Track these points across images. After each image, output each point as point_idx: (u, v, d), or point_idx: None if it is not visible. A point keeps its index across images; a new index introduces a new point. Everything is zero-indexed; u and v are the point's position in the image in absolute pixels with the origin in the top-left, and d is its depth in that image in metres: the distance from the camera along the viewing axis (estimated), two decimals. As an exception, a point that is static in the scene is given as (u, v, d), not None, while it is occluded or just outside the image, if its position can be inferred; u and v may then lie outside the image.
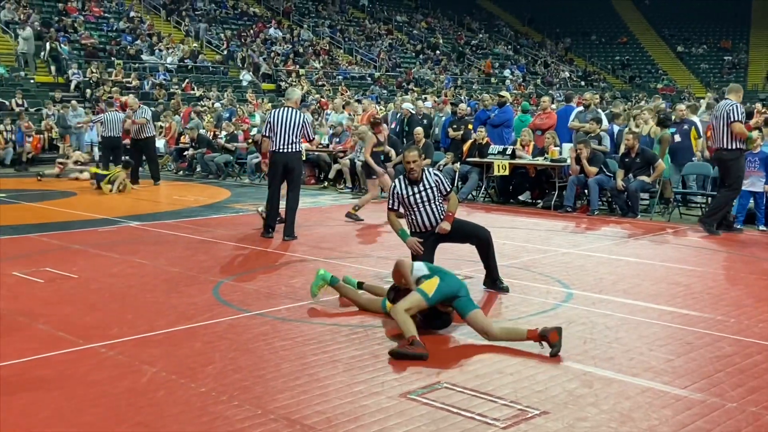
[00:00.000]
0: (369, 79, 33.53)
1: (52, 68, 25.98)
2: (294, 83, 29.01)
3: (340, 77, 32.17)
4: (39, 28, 27.10)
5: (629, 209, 10.94)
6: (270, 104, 21.77)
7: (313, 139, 8.98)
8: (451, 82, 33.87)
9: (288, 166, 9.14)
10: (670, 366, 4.62)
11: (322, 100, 24.75)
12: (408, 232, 6.57)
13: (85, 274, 7.21)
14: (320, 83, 30.26)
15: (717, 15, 50.33)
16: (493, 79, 38.15)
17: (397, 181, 6.59)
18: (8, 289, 6.63)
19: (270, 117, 9.31)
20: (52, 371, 4.55)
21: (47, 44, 26.09)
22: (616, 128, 13.05)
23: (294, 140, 9.07)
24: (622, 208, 11.09)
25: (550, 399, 4.09)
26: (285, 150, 9.06)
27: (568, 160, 11.65)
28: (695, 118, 12.47)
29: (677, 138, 11.78)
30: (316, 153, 16.02)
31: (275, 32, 35.09)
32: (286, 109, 9.28)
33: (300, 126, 9.07)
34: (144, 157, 16.19)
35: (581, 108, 13.34)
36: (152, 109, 19.58)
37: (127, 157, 15.10)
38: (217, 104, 22.66)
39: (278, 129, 9.05)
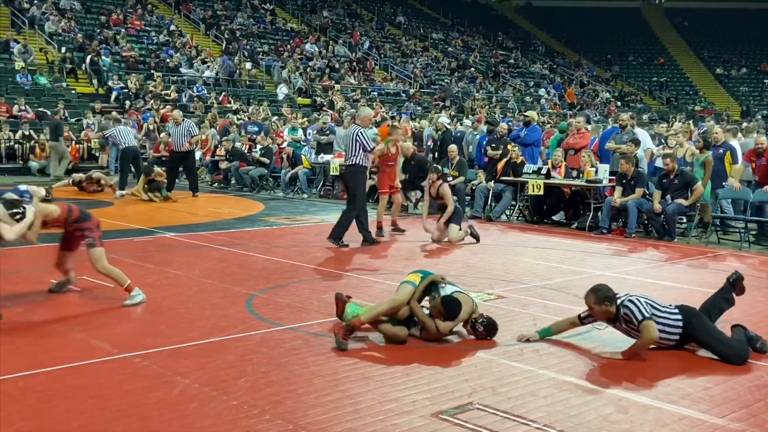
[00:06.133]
0: (404, 95, 33.63)
1: (94, 80, 26.50)
2: (328, 98, 29.24)
3: (375, 93, 32.30)
4: (82, 40, 27.68)
5: (666, 232, 10.78)
6: (305, 119, 21.91)
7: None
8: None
9: None
10: (707, 394, 4.53)
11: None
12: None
13: (120, 283, 7.28)
14: (354, 99, 30.42)
15: (757, 37, 49.61)
16: (528, 98, 38.02)
17: None
18: (46, 296, 6.73)
19: None
20: (87, 380, 4.60)
21: (89, 56, 26.61)
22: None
23: None
24: (658, 231, 10.93)
25: (585, 424, 4.03)
26: None
27: (604, 181, 11.52)
28: (734, 143, 12.26)
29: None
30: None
31: (311, 47, 35.40)
32: None
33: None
34: (181, 169, 16.39)
35: (618, 129, 13.20)
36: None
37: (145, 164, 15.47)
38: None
39: None
